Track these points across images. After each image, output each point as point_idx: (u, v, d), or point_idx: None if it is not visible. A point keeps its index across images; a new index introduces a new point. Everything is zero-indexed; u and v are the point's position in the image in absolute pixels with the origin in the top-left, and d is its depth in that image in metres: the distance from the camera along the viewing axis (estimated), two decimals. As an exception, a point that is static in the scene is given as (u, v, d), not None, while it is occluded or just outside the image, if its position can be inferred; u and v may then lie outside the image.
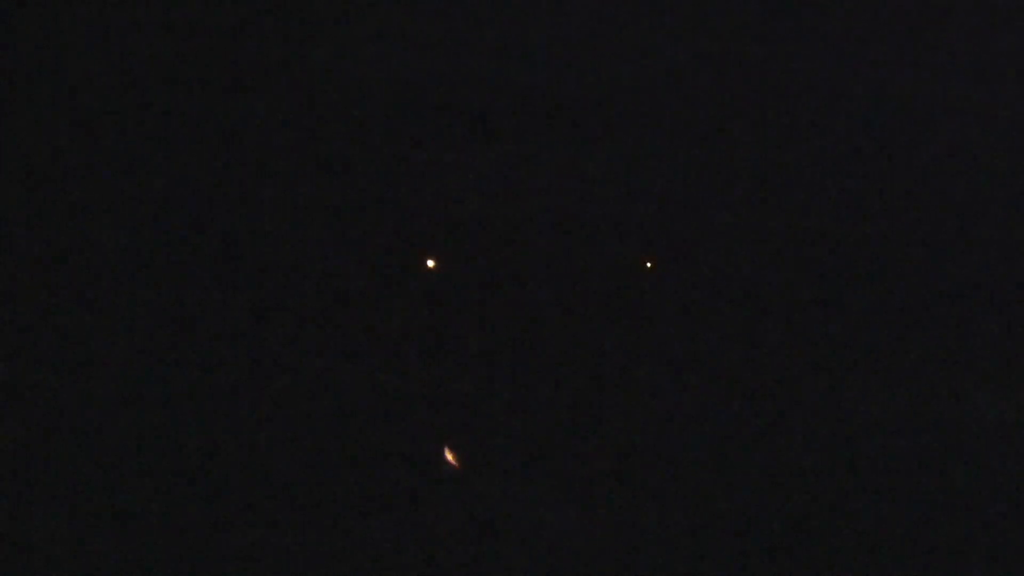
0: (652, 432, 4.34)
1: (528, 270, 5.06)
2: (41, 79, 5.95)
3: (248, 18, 6.29)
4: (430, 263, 4.98)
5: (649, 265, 5.08)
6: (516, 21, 6.33)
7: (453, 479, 4.14)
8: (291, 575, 3.78)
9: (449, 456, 4.24)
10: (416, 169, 5.55)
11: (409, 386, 4.43)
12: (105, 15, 6.24)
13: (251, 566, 3.77)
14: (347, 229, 5.24)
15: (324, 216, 5.29)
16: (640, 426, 4.34)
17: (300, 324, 4.77)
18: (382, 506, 3.97)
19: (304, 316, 4.80)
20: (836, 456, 4.03)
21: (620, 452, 4.33)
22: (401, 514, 3.93)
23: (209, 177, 5.47)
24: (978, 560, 3.95)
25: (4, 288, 4.86)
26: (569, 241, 5.23)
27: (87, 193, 5.36)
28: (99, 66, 6.02)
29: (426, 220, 5.27)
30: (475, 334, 4.73)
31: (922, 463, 4.24)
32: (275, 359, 4.59)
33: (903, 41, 6.28)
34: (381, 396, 4.46)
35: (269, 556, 3.78)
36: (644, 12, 6.38)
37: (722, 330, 4.78)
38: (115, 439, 4.22)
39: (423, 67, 6.10)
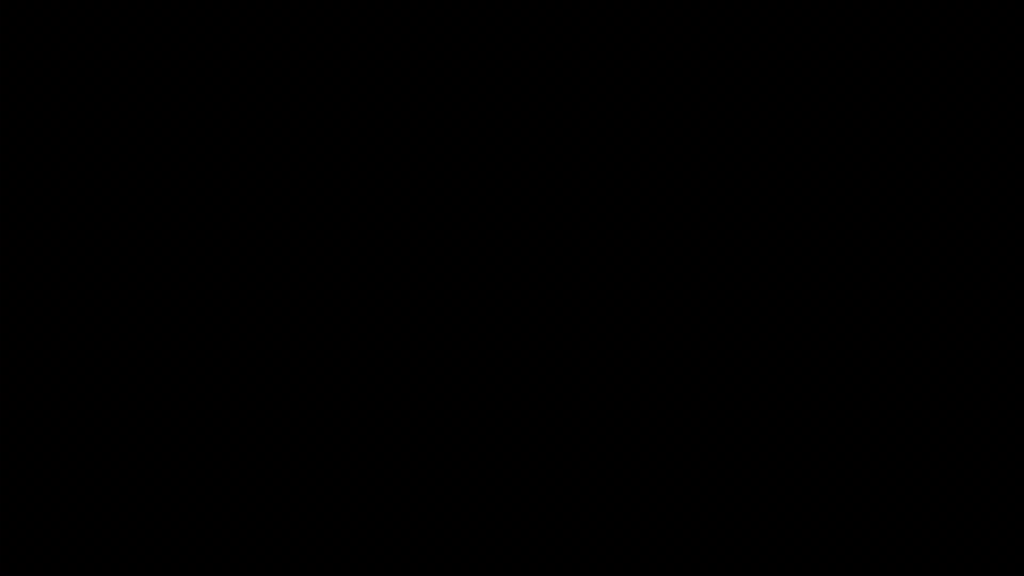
0: (650, 433, 4.35)
1: (525, 269, 5.09)
2: (39, 79, 5.99)
3: (244, 19, 6.35)
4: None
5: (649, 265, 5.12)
6: (513, 20, 6.38)
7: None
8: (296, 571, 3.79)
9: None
10: (414, 168, 5.60)
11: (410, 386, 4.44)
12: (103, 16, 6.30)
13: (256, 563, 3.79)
14: (344, 229, 5.28)
15: (320, 215, 5.33)
16: (636, 426, 4.36)
17: (299, 324, 4.80)
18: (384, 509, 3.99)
19: (303, 316, 4.84)
20: (825, 453, 4.05)
21: (619, 451, 4.36)
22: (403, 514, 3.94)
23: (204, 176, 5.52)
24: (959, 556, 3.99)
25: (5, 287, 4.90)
26: (567, 239, 5.27)
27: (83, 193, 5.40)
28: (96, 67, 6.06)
29: (422, 218, 5.30)
30: (472, 334, 4.76)
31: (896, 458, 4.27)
32: (273, 359, 4.62)
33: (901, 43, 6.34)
34: (380, 397, 4.47)
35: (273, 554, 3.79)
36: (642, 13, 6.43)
37: (713, 329, 4.81)
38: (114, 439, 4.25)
39: (419, 67, 6.15)
